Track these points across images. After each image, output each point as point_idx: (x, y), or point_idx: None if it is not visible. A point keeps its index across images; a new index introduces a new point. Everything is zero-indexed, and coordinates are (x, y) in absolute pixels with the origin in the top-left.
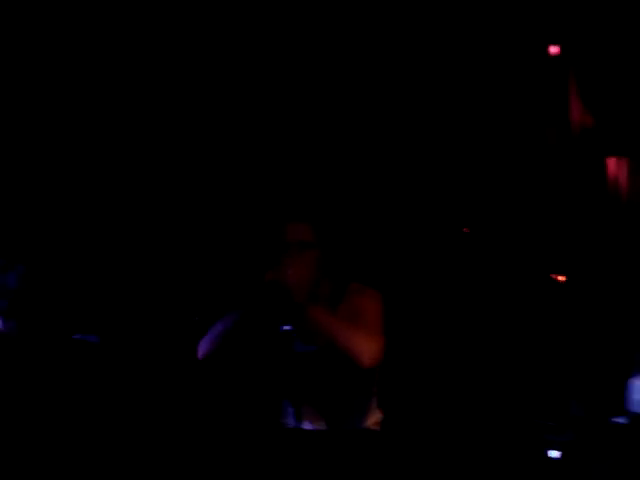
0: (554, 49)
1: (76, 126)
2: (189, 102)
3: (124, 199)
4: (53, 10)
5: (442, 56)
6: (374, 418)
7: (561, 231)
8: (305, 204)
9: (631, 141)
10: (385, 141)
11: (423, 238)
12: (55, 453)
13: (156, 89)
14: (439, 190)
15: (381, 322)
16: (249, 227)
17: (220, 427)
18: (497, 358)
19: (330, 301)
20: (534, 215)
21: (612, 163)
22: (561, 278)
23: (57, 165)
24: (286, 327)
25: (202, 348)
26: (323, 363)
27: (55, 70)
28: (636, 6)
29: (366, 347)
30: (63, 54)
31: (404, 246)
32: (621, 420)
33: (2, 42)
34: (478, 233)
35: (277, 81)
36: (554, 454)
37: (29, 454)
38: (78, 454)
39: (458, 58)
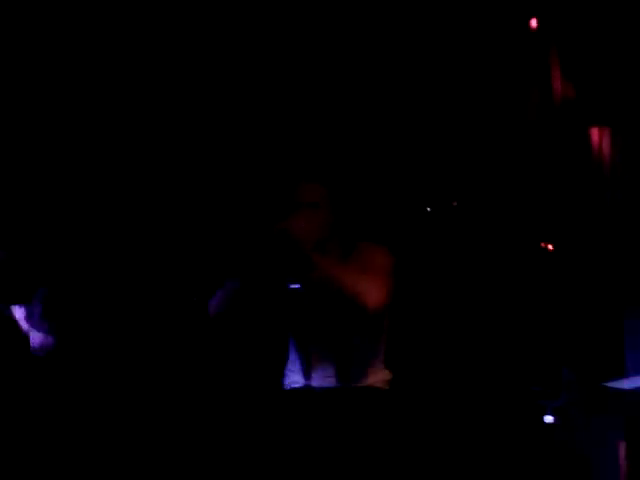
0: (534, 23)
1: (74, 126)
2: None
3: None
4: (53, 10)
5: (423, 33)
6: (382, 376)
7: (547, 201)
8: (317, 165)
9: (613, 111)
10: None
11: (422, 208)
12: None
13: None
14: (430, 164)
15: (388, 274)
16: (261, 188)
17: (229, 387)
18: (492, 325)
19: (339, 257)
20: (521, 186)
21: (595, 133)
22: (550, 246)
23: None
24: (295, 285)
25: (212, 307)
26: (330, 316)
27: (55, 70)
28: None
29: (371, 292)
30: (63, 54)
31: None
32: (615, 385)
33: (2, 42)
34: (467, 205)
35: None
36: (548, 419)
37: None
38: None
39: (438, 35)
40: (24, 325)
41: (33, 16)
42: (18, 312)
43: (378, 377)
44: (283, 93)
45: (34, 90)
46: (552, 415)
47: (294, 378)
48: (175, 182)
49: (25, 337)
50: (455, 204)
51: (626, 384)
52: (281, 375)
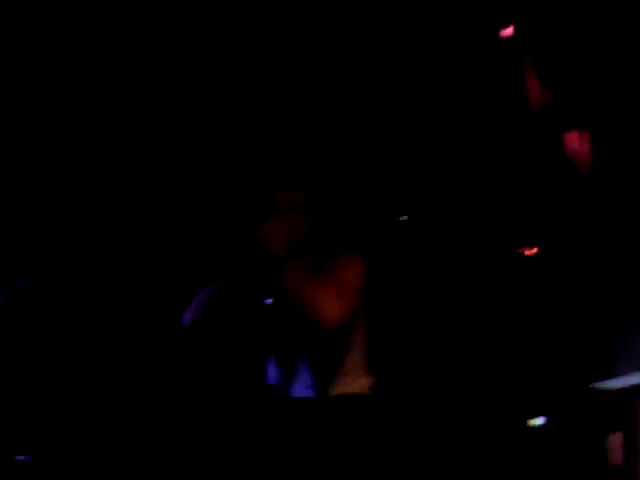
0: (508, 30)
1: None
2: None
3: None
4: (53, 10)
5: (396, 40)
6: (362, 383)
7: (526, 206)
8: (297, 170)
9: (591, 115)
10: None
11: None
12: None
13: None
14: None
15: (354, 287)
16: (241, 193)
17: (206, 398)
18: (477, 330)
19: (311, 267)
20: (499, 193)
21: (573, 138)
22: (529, 252)
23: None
24: (268, 300)
25: (187, 317)
26: (297, 328)
27: (55, 70)
28: None
29: (327, 307)
30: (63, 54)
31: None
32: (604, 386)
33: (2, 42)
34: (448, 212)
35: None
36: (539, 421)
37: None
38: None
39: (412, 42)
40: None
41: (33, 16)
42: None
43: (358, 385)
44: (264, 98)
45: (34, 90)
46: (542, 417)
47: (274, 389)
48: (147, 187)
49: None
50: (437, 212)
51: (614, 384)
52: (262, 386)
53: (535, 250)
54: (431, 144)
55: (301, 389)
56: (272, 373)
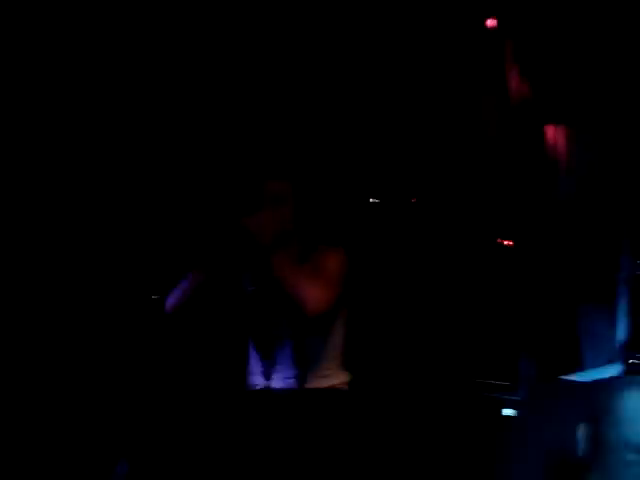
0: (491, 22)
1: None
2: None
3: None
4: (53, 10)
5: (381, 33)
6: (341, 377)
7: (504, 198)
8: (284, 161)
9: (569, 109)
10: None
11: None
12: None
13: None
14: (390, 162)
15: (336, 277)
16: (225, 183)
17: (188, 387)
18: (450, 320)
19: (295, 257)
20: (478, 183)
21: (551, 131)
22: (507, 242)
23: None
24: (250, 288)
25: (169, 303)
26: (281, 317)
27: (55, 70)
28: None
29: (313, 296)
30: (63, 54)
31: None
32: (572, 378)
33: (2, 42)
34: (425, 202)
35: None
36: (508, 412)
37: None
38: None
39: (395, 34)
40: None
41: (33, 16)
42: None
43: (337, 379)
44: (251, 90)
45: (34, 90)
46: (511, 408)
47: (255, 379)
48: (136, 177)
49: None
50: (414, 200)
51: (582, 377)
52: (243, 376)
53: (510, 241)
54: (412, 134)
55: (280, 379)
56: (253, 362)
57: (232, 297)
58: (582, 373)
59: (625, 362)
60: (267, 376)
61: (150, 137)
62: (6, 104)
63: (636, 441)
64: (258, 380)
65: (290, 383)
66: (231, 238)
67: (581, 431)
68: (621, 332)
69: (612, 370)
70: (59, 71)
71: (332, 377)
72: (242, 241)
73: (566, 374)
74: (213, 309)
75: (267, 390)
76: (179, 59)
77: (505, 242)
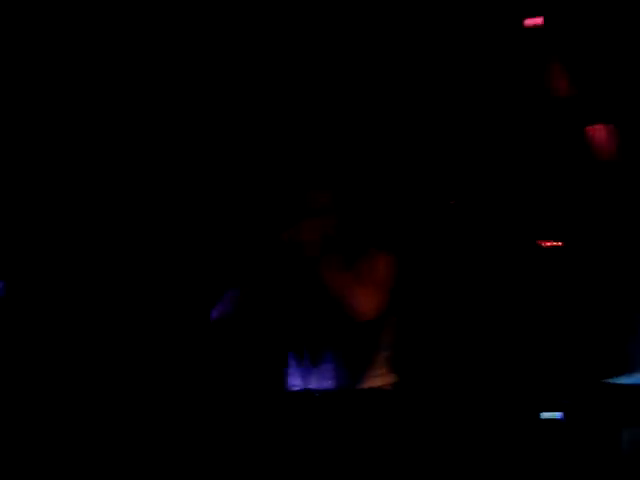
0: (536, 20)
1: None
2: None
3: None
4: (53, 10)
5: (420, 30)
6: (385, 380)
7: (550, 199)
8: (326, 172)
9: (616, 108)
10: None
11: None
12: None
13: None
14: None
15: (386, 282)
16: (268, 194)
17: (229, 390)
18: (496, 325)
19: (343, 264)
20: (522, 184)
21: (598, 131)
22: (549, 244)
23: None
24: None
25: (216, 312)
26: (326, 322)
27: (55, 70)
28: None
29: (363, 300)
30: (63, 54)
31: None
32: (620, 381)
33: (2, 42)
34: (470, 205)
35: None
36: (549, 415)
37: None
38: None
39: (436, 32)
40: None
41: (33, 16)
42: None
43: (383, 381)
44: (289, 100)
45: (34, 90)
46: (558, 412)
47: (294, 381)
48: (180, 186)
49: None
50: (453, 203)
51: (627, 380)
52: (282, 378)
53: (555, 243)
54: (455, 135)
55: (323, 382)
56: (293, 368)
57: (275, 303)
58: (629, 375)
59: None
60: (306, 378)
61: (188, 149)
62: (6, 104)
63: None
64: (297, 382)
65: (329, 385)
66: (275, 251)
67: (626, 435)
68: None
69: None
70: (59, 71)
71: (376, 381)
72: (287, 254)
73: (612, 377)
74: (257, 316)
75: (307, 391)
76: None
77: (553, 244)
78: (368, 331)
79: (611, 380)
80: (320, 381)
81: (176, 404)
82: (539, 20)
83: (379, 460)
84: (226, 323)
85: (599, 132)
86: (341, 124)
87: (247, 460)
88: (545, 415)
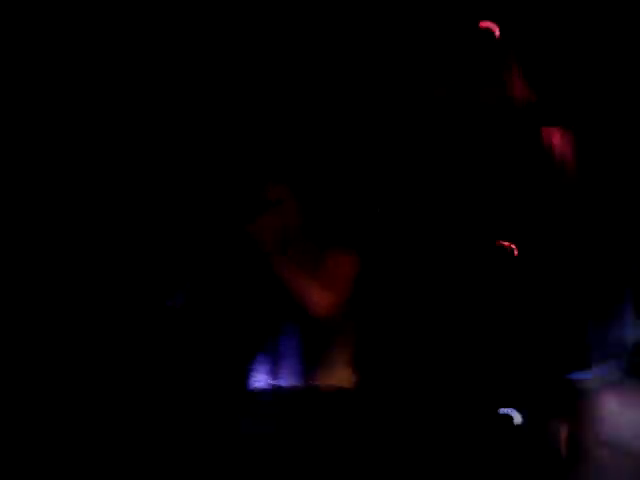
0: (490, 24)
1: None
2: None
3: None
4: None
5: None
6: (347, 376)
7: (507, 201)
8: (284, 165)
9: (574, 113)
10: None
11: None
12: None
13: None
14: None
15: (344, 279)
16: (226, 187)
17: (195, 387)
18: (456, 324)
19: (302, 260)
20: (480, 188)
21: (555, 134)
22: (506, 244)
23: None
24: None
25: (171, 305)
26: (288, 317)
27: (55, 70)
28: None
29: (318, 297)
30: (63, 54)
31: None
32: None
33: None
34: (429, 207)
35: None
36: (515, 415)
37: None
38: None
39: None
40: None
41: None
42: None
43: (343, 377)
44: (250, 93)
45: (34, 90)
46: (520, 413)
47: (260, 377)
48: (140, 179)
49: None
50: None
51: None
52: (247, 374)
53: (511, 244)
54: (411, 137)
55: (286, 377)
56: (259, 359)
57: (238, 299)
58: (582, 373)
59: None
60: (273, 373)
61: (150, 139)
62: (6, 104)
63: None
64: (264, 378)
65: (295, 381)
66: (235, 244)
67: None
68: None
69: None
70: (59, 71)
71: (336, 377)
72: (246, 246)
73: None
74: (219, 310)
75: (271, 388)
76: (176, 59)
77: (509, 246)
78: (327, 328)
79: (570, 376)
80: (282, 378)
81: (138, 399)
82: (494, 24)
83: (336, 458)
84: (181, 314)
85: (554, 134)
86: (301, 118)
87: (208, 458)
88: (503, 411)
